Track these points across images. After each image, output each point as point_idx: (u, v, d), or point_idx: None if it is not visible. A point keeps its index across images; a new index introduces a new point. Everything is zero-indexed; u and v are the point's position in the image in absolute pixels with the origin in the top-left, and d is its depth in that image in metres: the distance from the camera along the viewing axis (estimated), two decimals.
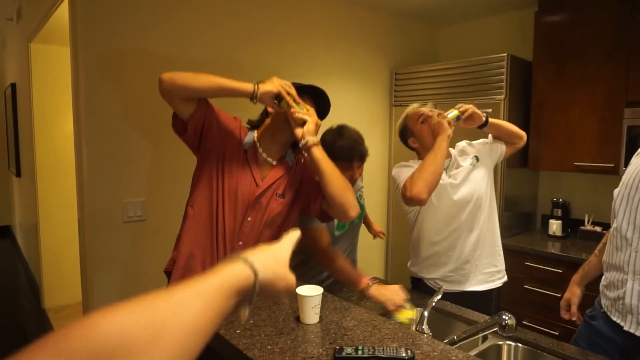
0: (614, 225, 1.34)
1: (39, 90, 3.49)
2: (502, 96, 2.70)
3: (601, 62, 2.50)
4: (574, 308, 1.57)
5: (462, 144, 1.93)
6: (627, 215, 1.28)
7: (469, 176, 1.79)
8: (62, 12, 2.32)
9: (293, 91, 1.38)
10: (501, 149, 1.90)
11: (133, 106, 2.17)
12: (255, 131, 1.51)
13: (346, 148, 1.68)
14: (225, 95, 1.34)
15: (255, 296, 0.57)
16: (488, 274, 1.85)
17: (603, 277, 1.41)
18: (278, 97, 1.36)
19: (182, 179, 1.49)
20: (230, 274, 0.54)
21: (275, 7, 2.66)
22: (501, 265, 1.89)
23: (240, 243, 1.44)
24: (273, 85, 1.35)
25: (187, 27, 2.30)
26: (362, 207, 1.93)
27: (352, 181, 1.71)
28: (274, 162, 1.49)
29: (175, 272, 1.42)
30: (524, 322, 2.58)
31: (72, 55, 2.12)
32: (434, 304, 1.38)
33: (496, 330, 1.30)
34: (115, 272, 2.15)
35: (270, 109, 1.49)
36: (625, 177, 1.34)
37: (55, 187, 3.56)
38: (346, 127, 1.76)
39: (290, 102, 1.35)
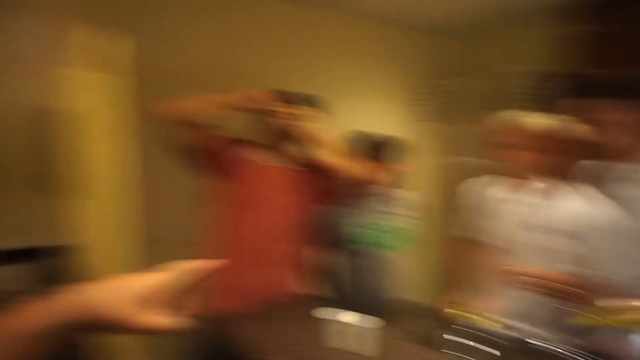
0: None
1: (92, 113, 3.70)
2: (525, 109, 2.68)
3: None
4: None
5: None
6: None
7: None
8: (114, 41, 2.52)
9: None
10: None
11: None
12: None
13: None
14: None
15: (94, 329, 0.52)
16: None
17: None
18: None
19: None
20: (60, 309, 0.49)
21: (298, 24, 2.78)
22: None
23: (265, 246, 1.51)
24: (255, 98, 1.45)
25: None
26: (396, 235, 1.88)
27: (396, 175, 1.78)
28: (282, 164, 1.57)
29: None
30: None
31: (126, 81, 2.30)
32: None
33: None
34: None
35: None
36: None
37: (108, 208, 3.74)
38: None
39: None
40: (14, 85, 6.04)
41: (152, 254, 2.18)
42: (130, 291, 0.54)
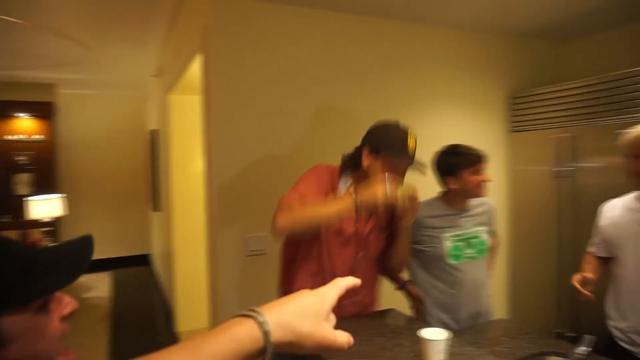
0: None
1: (175, 134, 3.98)
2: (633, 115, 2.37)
3: None
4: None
5: None
6: None
7: None
8: (196, 66, 2.64)
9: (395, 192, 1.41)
10: None
11: (257, 148, 2.35)
12: (350, 176, 1.58)
13: (468, 155, 1.79)
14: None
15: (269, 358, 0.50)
16: None
17: None
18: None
19: None
20: (236, 337, 0.48)
21: (387, 39, 2.71)
22: None
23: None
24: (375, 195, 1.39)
25: (300, 70, 2.46)
26: (482, 243, 1.84)
27: (484, 184, 1.79)
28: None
29: None
30: None
31: (205, 103, 2.39)
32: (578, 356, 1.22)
33: None
34: (239, 300, 2.29)
35: (365, 163, 1.53)
36: None
37: (188, 220, 3.96)
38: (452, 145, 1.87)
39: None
40: (125, 108, 6.74)
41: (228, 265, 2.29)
42: (314, 309, 0.54)
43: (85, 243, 0.62)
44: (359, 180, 1.54)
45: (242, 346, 0.48)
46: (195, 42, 2.52)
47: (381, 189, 1.34)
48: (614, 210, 1.73)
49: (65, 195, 4.70)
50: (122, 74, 5.11)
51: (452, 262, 1.79)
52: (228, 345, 0.47)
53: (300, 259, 1.56)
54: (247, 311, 0.51)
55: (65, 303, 0.60)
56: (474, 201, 1.89)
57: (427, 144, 1.98)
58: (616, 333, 1.64)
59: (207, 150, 2.39)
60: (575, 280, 1.63)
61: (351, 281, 0.60)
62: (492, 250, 2.05)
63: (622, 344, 1.60)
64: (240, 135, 2.32)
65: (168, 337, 3.88)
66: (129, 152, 6.45)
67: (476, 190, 1.80)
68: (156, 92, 4.97)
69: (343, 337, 0.55)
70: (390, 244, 1.67)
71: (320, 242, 1.53)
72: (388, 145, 1.49)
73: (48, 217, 4.43)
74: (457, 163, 1.78)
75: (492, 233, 1.97)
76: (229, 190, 2.30)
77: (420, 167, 1.53)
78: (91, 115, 6.27)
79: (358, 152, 1.56)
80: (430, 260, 1.82)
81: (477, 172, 1.78)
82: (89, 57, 4.10)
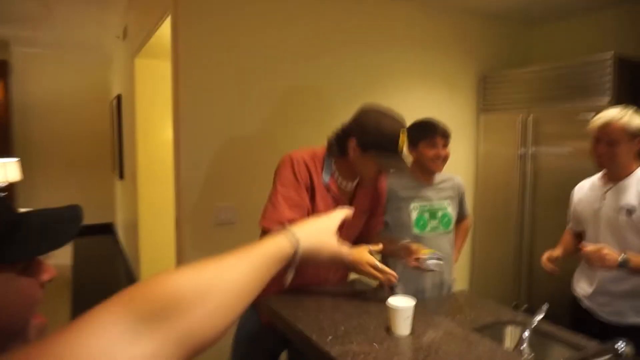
0: None
1: (141, 100, 3.83)
2: (608, 98, 2.46)
3: None
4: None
5: None
6: None
7: None
8: (165, 29, 2.52)
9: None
10: None
11: (228, 117, 2.29)
12: (334, 163, 1.54)
13: (425, 127, 1.84)
14: None
15: (298, 261, 0.65)
16: None
17: None
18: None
19: (269, 186, 1.56)
20: (274, 244, 0.62)
21: (354, 14, 2.67)
22: None
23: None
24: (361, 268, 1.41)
25: (273, 39, 2.40)
26: (446, 216, 1.90)
27: (439, 159, 1.81)
28: (353, 186, 1.58)
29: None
30: None
31: (173, 69, 2.29)
32: (535, 323, 1.29)
33: (609, 359, 1.18)
34: None
35: (352, 154, 1.47)
36: None
37: (154, 189, 3.86)
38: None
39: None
40: (88, 72, 6.36)
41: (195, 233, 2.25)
42: (326, 227, 0.75)
43: (75, 212, 0.62)
44: (344, 169, 1.52)
45: (281, 250, 0.62)
46: (164, 1, 2.40)
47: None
48: (581, 189, 1.89)
49: (19, 159, 4.47)
50: (83, 34, 4.83)
51: (417, 232, 1.84)
52: (271, 249, 0.61)
53: None
54: (280, 229, 0.67)
55: (45, 269, 0.58)
56: (441, 176, 1.93)
57: None
58: (583, 297, 1.82)
59: (175, 118, 2.31)
60: (544, 257, 1.85)
61: (348, 213, 0.81)
62: (462, 231, 2.10)
63: (586, 306, 1.79)
64: (210, 103, 2.25)
65: None
66: (91, 117, 6.16)
67: (431, 164, 1.83)
68: (122, 55, 4.74)
69: (346, 250, 0.77)
70: (369, 224, 1.69)
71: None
72: (379, 144, 1.40)
73: (1, 182, 4.20)
74: (415, 134, 1.82)
75: (463, 214, 2.02)
76: (197, 159, 2.25)
77: (404, 167, 1.48)
78: (49, 76, 5.92)
79: (344, 138, 1.48)
80: (395, 230, 1.86)
81: (434, 145, 1.81)
82: (46, 13, 3.84)
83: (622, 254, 1.52)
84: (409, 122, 1.93)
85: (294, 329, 1.24)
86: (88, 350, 0.38)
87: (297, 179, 1.47)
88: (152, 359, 0.42)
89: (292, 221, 1.40)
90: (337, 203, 1.52)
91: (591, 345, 1.33)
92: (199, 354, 0.47)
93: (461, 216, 2.02)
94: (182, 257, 2.31)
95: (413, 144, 1.84)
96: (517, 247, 2.95)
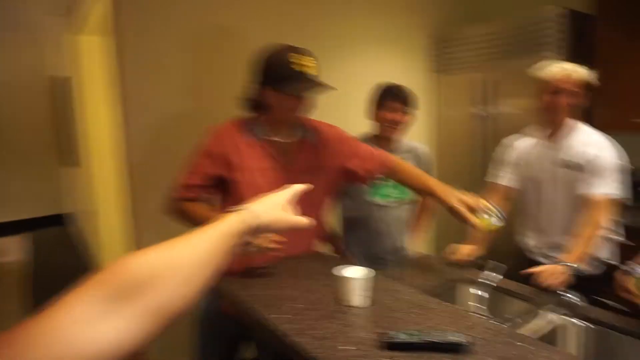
0: None
1: (84, 81, 3.59)
2: (554, 54, 2.47)
3: None
4: None
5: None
6: None
7: None
8: (106, 4, 2.33)
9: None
10: None
11: (176, 92, 2.17)
12: (263, 121, 1.47)
13: (379, 92, 1.82)
14: None
15: (256, 235, 0.73)
16: None
17: None
18: None
19: None
20: (233, 221, 0.67)
21: None
22: None
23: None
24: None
25: (223, 11, 2.26)
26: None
27: (395, 124, 1.80)
28: (287, 136, 1.49)
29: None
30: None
31: (116, 45, 2.13)
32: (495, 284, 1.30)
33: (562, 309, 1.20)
34: None
35: (270, 102, 1.42)
36: None
37: (108, 175, 3.68)
38: None
39: None
40: (21, 53, 5.85)
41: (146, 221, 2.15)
42: (277, 202, 0.80)
43: None
44: (274, 123, 1.47)
45: (238, 226, 0.67)
46: None
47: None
48: (527, 147, 1.84)
49: None
50: (8, 10, 4.45)
51: (379, 200, 1.82)
52: (227, 227, 0.65)
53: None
54: (239, 207, 0.72)
55: None
56: (405, 145, 1.89)
57: (347, 87, 1.94)
58: (532, 249, 1.84)
59: (122, 97, 2.16)
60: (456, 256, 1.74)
61: (301, 188, 0.86)
62: (425, 208, 2.04)
63: (536, 258, 1.80)
64: (157, 79, 2.12)
65: None
66: (24, 102, 5.60)
67: (386, 129, 1.79)
68: (58, 33, 4.42)
69: (300, 219, 0.81)
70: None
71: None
72: (275, 73, 1.36)
73: None
74: (377, 99, 1.80)
75: None
76: (147, 139, 2.13)
77: (327, 88, 1.39)
78: None
79: (256, 92, 1.45)
80: (355, 199, 1.83)
81: (392, 109, 1.78)
82: None
83: (569, 265, 1.45)
84: (360, 86, 1.88)
85: (249, 309, 1.20)
86: (62, 333, 0.41)
87: (208, 149, 1.48)
88: (126, 332, 0.45)
89: (188, 186, 1.47)
90: (274, 160, 1.46)
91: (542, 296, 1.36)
92: (173, 320, 0.51)
93: None
94: (141, 243, 2.22)
95: (371, 109, 1.83)
96: None
